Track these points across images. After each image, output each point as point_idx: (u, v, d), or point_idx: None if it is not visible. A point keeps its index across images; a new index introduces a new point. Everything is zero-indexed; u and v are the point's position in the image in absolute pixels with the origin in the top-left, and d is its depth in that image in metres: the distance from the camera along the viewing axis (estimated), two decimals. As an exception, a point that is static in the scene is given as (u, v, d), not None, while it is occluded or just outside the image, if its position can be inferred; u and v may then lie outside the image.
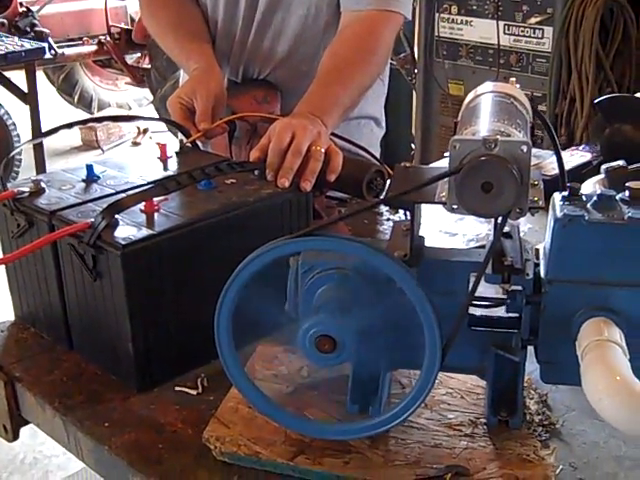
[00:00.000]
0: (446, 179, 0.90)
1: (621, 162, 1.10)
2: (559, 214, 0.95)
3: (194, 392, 1.17)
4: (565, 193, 0.99)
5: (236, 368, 1.01)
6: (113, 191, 1.27)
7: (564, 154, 1.93)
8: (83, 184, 1.30)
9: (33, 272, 1.28)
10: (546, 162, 1.85)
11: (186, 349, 1.19)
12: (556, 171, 1.73)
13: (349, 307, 0.99)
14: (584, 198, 0.98)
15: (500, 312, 1.06)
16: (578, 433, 1.07)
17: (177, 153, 1.43)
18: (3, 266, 1.31)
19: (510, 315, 1.04)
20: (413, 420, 1.07)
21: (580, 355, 0.92)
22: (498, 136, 0.88)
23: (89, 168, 1.32)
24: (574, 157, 1.88)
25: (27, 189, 1.26)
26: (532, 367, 1.06)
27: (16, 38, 4.62)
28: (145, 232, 1.13)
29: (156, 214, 1.18)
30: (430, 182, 0.91)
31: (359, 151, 1.59)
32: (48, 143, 5.51)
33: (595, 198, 0.97)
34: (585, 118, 2.96)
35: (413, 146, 3.84)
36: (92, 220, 1.13)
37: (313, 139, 1.33)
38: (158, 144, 1.42)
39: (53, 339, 1.30)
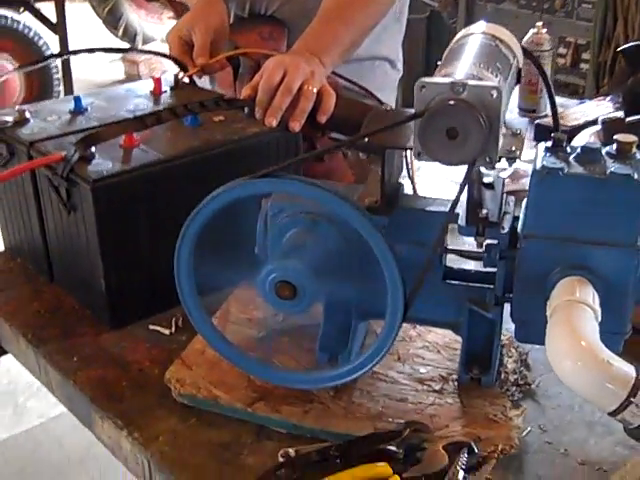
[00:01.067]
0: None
1: (619, 113, 1.03)
2: (538, 166, 0.90)
3: (167, 331, 1.15)
4: (549, 144, 0.93)
5: (196, 309, 0.98)
6: (97, 124, 1.24)
7: (591, 104, 1.85)
8: (69, 115, 1.27)
9: (17, 204, 1.26)
10: (569, 112, 1.78)
11: (162, 288, 1.16)
12: (577, 121, 1.67)
13: (315, 253, 0.95)
14: (568, 150, 0.93)
15: (477, 266, 1.02)
16: (554, 395, 1.03)
17: (172, 88, 1.39)
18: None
19: (487, 270, 1.00)
20: (383, 372, 1.04)
21: (549, 314, 0.87)
22: (468, 80, 0.83)
23: (77, 99, 1.29)
24: (599, 108, 1.80)
25: (11, 118, 1.24)
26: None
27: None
28: (119, 167, 1.10)
29: (135, 149, 1.15)
30: (391, 126, 0.86)
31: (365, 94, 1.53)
32: (92, 77, 5.53)
33: (579, 150, 0.91)
34: (628, 68, 2.83)
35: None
36: (66, 152, 1.11)
37: (305, 78, 1.27)
38: (153, 77, 1.38)
39: (36, 270, 1.29)
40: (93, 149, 1.12)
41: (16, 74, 4.60)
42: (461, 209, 0.96)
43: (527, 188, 0.93)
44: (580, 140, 1.03)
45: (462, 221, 0.95)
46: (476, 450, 0.91)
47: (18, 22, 4.51)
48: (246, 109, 1.27)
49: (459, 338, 1.09)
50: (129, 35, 6.17)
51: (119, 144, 1.15)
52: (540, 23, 1.87)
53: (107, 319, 1.15)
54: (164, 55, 1.49)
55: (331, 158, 1.53)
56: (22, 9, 4.57)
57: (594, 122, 1.64)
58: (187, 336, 1.13)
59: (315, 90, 1.28)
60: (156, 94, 1.36)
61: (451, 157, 0.83)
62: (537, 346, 1.08)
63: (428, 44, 4.11)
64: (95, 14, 6.18)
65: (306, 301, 0.93)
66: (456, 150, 0.82)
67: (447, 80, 0.83)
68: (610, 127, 1.02)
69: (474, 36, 0.99)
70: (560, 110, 1.75)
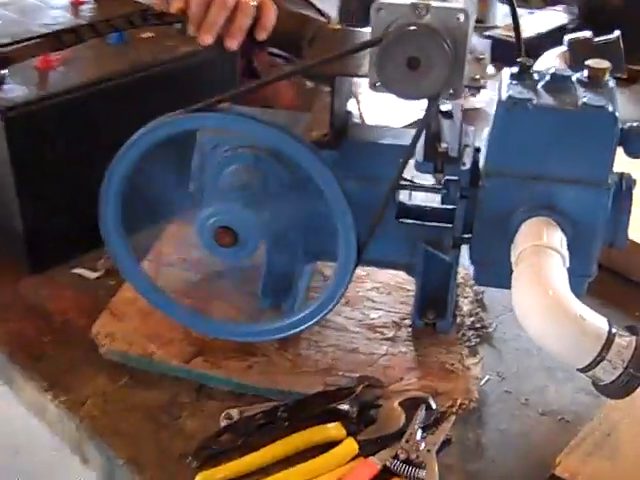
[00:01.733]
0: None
1: (587, 33, 0.94)
2: (504, 96, 0.81)
3: (93, 275, 1.05)
4: (514, 70, 0.84)
5: (123, 253, 0.88)
6: (8, 41, 1.09)
7: (542, 14, 1.75)
8: (-27, 31, 1.12)
9: None
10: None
11: (87, 226, 1.05)
12: (529, 34, 1.57)
13: (258, 193, 0.86)
14: (536, 77, 0.84)
15: (433, 203, 0.94)
16: (512, 338, 0.97)
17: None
18: None
19: (443, 207, 0.92)
20: (331, 319, 0.96)
21: (514, 261, 0.80)
22: (430, 1, 0.72)
23: (-18, 12, 1.14)
24: (550, 18, 1.71)
25: None
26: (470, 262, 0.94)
27: None
28: (35, 93, 0.98)
29: (52, 72, 1.02)
30: (345, 54, 0.76)
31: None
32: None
33: (548, 78, 0.83)
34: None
35: None
36: (-28, 77, 0.98)
37: None
38: (71, -14, 1.24)
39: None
40: (4, 72, 0.98)
41: None
42: (418, 144, 0.87)
43: (476, 107, 0.85)
44: (544, 63, 0.95)
45: (419, 156, 0.86)
46: (434, 406, 0.84)
47: None
48: (178, 25, 1.14)
49: (412, 278, 1.02)
50: None
51: (34, 66, 1.02)
52: None
53: (25, 262, 1.04)
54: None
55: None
56: None
57: (549, 35, 1.55)
58: (116, 280, 1.03)
59: (254, 3, 1.15)
60: (76, 5, 1.22)
61: (412, 90, 0.73)
62: (493, 284, 1.02)
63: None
64: None
65: (249, 248, 0.84)
66: (418, 82, 0.73)
67: (407, 1, 0.72)
68: (577, 48, 0.93)
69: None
70: (508, 22, 1.65)
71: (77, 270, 1.05)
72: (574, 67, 0.93)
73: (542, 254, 0.78)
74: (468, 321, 0.98)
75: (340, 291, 0.85)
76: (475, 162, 0.86)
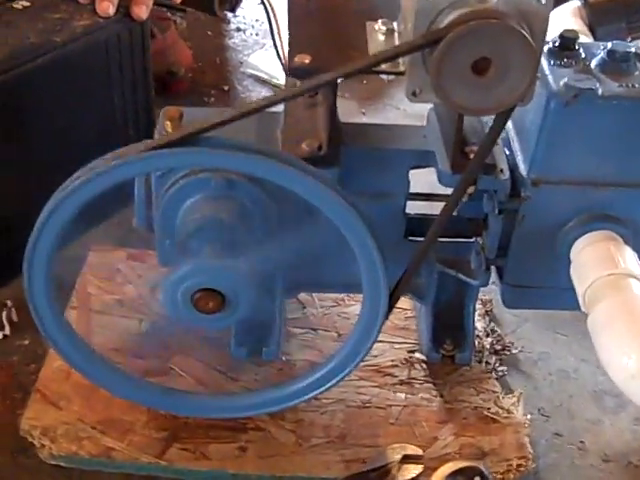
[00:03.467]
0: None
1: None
2: (556, 84, 0.62)
3: (-1, 335, 0.80)
4: (552, 45, 0.66)
5: (56, 325, 0.65)
6: None
7: None
8: None
9: None
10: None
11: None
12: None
13: (239, 236, 0.64)
14: (583, 53, 0.65)
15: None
16: (540, 358, 0.82)
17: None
18: None
19: (463, 219, 0.73)
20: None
21: (583, 295, 0.63)
22: (498, -23, 0.52)
23: None
24: None
25: None
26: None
27: None
28: None
29: None
30: (383, 60, 0.53)
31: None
32: None
33: (603, 55, 0.64)
34: None
35: None
36: None
37: None
38: None
39: None
40: None
41: None
42: (435, 142, 0.68)
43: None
44: (559, 24, 0.76)
45: (443, 164, 0.66)
46: (489, 478, 0.67)
47: None
48: (61, -12, 0.87)
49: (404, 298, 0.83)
50: None
51: None
52: None
53: None
54: None
55: (165, 31, 1.16)
56: None
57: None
58: (30, 338, 0.79)
59: None
60: None
61: (479, 102, 0.53)
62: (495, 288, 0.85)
63: None
64: None
65: (240, 311, 0.63)
66: (487, 90, 0.52)
67: (466, -21, 0.51)
68: (597, 3, 0.75)
69: None
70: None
71: (-25, 329, 0.80)
72: (601, 30, 0.75)
73: (625, 287, 0.62)
74: (486, 342, 0.81)
75: (367, 346, 0.66)
76: (514, 169, 0.67)
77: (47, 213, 0.58)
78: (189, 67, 1.20)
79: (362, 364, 0.76)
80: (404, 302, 0.83)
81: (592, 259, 0.65)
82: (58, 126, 0.81)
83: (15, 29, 0.81)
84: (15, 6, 0.85)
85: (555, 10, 0.80)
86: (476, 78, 0.52)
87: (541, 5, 0.52)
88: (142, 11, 0.87)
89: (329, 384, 0.67)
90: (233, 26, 1.31)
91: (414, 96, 0.55)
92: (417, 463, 0.68)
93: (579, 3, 0.78)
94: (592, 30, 0.77)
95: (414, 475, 0.68)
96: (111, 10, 0.85)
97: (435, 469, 0.67)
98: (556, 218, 0.67)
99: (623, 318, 0.60)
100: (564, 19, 0.78)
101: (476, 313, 0.83)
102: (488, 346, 0.81)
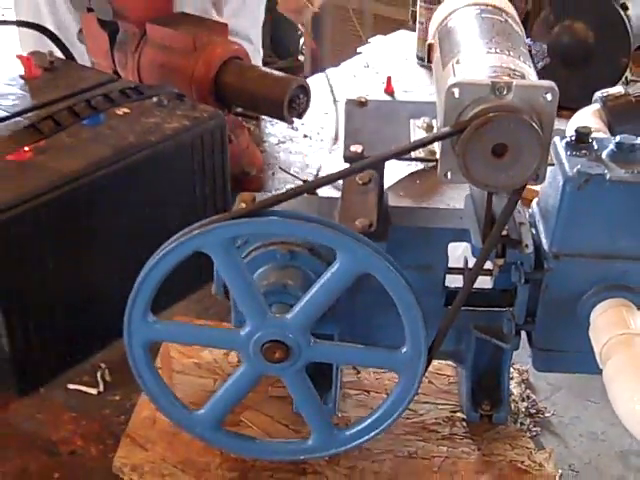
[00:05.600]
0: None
1: (621, 88, 0.89)
2: (570, 171, 0.74)
3: (94, 391, 0.92)
4: (570, 138, 0.77)
5: (157, 385, 0.76)
6: (-33, 129, 0.96)
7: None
8: None
9: None
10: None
11: (78, 332, 0.94)
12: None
13: (302, 294, 0.75)
14: (595, 146, 0.77)
15: (484, 286, 0.85)
16: (571, 422, 0.90)
17: (46, 69, 1.11)
18: None
19: (497, 290, 0.84)
20: (376, 420, 0.86)
21: (600, 354, 0.72)
22: (512, 79, 0.64)
23: None
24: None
25: None
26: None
27: None
28: (12, 195, 0.84)
29: (27, 165, 0.89)
30: (419, 146, 0.66)
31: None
32: None
33: (612, 147, 0.76)
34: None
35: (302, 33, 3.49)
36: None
37: None
38: (21, 58, 1.10)
39: None
40: (-25, 172, 0.85)
41: None
42: (470, 222, 0.79)
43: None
44: (579, 122, 0.88)
45: (476, 240, 0.77)
46: (520, 518, 0.76)
47: None
48: (155, 98, 1.02)
49: (447, 362, 0.93)
50: None
51: (7, 159, 0.89)
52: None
53: (14, 384, 0.90)
54: (39, 28, 1.20)
55: (239, 137, 1.32)
56: None
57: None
58: (121, 394, 0.91)
59: None
60: (29, 78, 1.09)
61: (497, 179, 0.65)
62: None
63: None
64: None
65: (300, 362, 0.74)
66: (504, 171, 0.64)
67: (486, 80, 0.64)
68: (615, 106, 0.87)
69: (467, 9, 0.80)
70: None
71: (73, 386, 0.92)
72: (618, 129, 0.87)
73: (634, 344, 0.71)
74: (522, 407, 0.90)
75: (409, 397, 0.75)
76: (538, 244, 0.78)
77: (145, 271, 0.71)
78: (260, 168, 1.35)
79: (409, 421, 0.87)
80: (447, 369, 0.93)
81: (607, 322, 0.74)
82: (148, 211, 0.95)
83: (117, 131, 0.97)
84: (117, 112, 1.00)
85: (579, 112, 0.92)
86: (495, 160, 0.64)
87: (548, 102, 0.64)
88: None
89: (375, 432, 0.77)
90: (300, 132, 1.46)
91: (446, 177, 0.68)
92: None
93: (599, 106, 0.90)
94: (610, 129, 0.88)
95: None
96: None
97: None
98: (576, 287, 0.77)
99: (632, 370, 0.69)
100: (586, 119, 0.89)
101: (513, 380, 0.93)
102: (523, 409, 0.90)
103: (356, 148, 0.74)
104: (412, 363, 0.73)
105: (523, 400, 0.91)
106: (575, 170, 0.73)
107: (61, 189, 0.87)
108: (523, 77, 0.66)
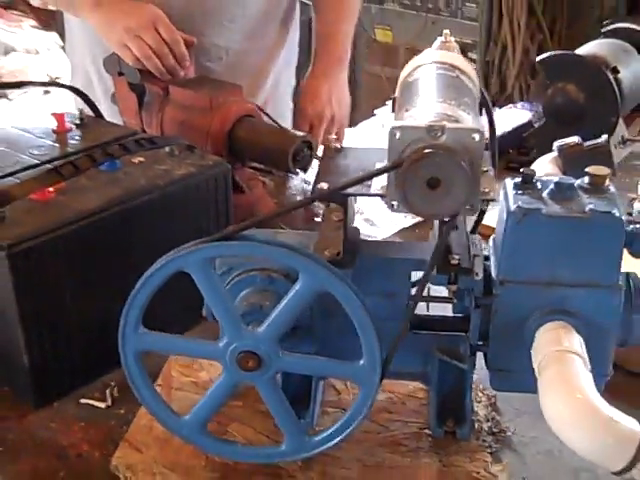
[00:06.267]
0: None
1: (576, 138, 0.98)
2: (512, 206, 0.84)
3: (102, 405, 1.03)
4: (518, 180, 0.87)
5: (146, 389, 0.87)
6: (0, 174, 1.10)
7: (502, 112, 1.81)
8: (-36, 166, 1.12)
9: None
10: (483, 121, 1.73)
11: (91, 354, 1.05)
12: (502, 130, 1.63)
13: (276, 315, 0.86)
14: (539, 186, 0.87)
15: (444, 311, 0.95)
16: (531, 441, 0.98)
17: (77, 125, 1.26)
18: None
19: (456, 316, 0.93)
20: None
21: (537, 368, 0.81)
22: (445, 122, 0.75)
23: (-29, 146, 1.14)
24: (513, 116, 1.77)
25: None
26: (479, 366, 0.95)
27: None
28: (35, 227, 0.97)
29: (49, 204, 1.03)
30: (365, 178, 0.78)
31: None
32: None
33: (552, 187, 0.86)
34: (517, 66, 2.85)
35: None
36: (-27, 214, 0.97)
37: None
38: (54, 115, 1.25)
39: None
40: (3, 209, 0.98)
41: None
42: (429, 253, 0.89)
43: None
44: (538, 169, 0.98)
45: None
46: (468, 518, 0.84)
47: None
48: (168, 148, 1.16)
49: (422, 386, 1.02)
50: (-13, 46, 5.81)
51: (32, 199, 1.02)
52: (447, 31, 1.82)
53: (31, 398, 1.02)
54: (71, 88, 1.35)
55: (253, 189, 1.44)
56: None
57: (516, 132, 1.61)
58: (126, 408, 1.02)
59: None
60: (60, 133, 1.23)
61: (433, 209, 0.76)
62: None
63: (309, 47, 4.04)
64: (-50, 25, 5.79)
65: (271, 371, 0.84)
66: (438, 201, 0.75)
67: (422, 123, 0.75)
68: (569, 153, 0.97)
69: (426, 67, 0.92)
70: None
71: (85, 400, 1.03)
72: (568, 172, 0.96)
73: (565, 359, 0.80)
74: (486, 426, 0.98)
75: (364, 410, 0.85)
76: (486, 271, 0.88)
77: (137, 288, 0.82)
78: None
79: (380, 435, 0.96)
80: (420, 392, 1.02)
81: (545, 341, 0.83)
82: (156, 246, 1.07)
83: (131, 176, 1.10)
84: (133, 160, 1.14)
85: (539, 159, 1.03)
86: (430, 192, 0.75)
87: (476, 142, 0.75)
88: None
89: (340, 437, 0.86)
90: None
91: (392, 207, 0.78)
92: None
93: (556, 153, 1.00)
94: (564, 174, 0.98)
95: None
96: None
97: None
98: (521, 312, 0.86)
99: (559, 381, 0.78)
100: (544, 165, 1.00)
101: (480, 403, 1.02)
102: (487, 428, 0.98)
103: (322, 185, 0.85)
104: (369, 374, 0.83)
105: (488, 420, 0.99)
106: (516, 206, 0.84)
107: (77, 224, 1.00)
108: (457, 122, 0.77)
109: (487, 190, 0.83)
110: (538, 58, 1.53)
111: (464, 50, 3.18)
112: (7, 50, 5.88)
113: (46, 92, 5.47)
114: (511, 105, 1.83)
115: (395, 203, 0.78)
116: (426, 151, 0.73)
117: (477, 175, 0.76)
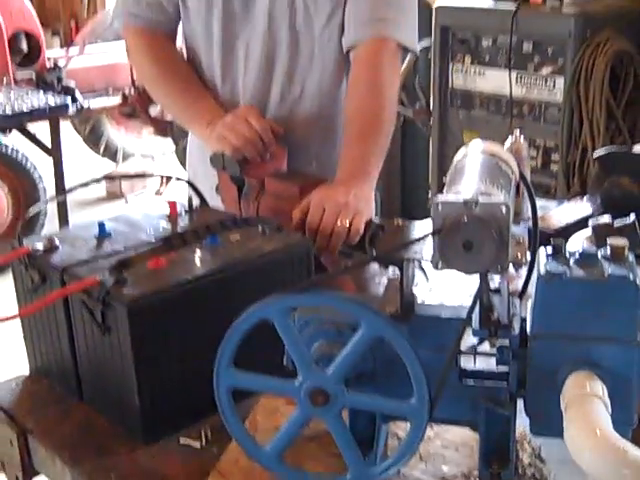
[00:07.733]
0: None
1: (607, 218, 1.13)
2: (542, 271, 0.99)
3: (197, 444, 1.21)
4: (550, 250, 1.03)
5: (234, 420, 1.04)
6: (122, 248, 1.32)
7: (569, 205, 1.96)
8: (95, 241, 1.35)
9: (46, 326, 1.33)
10: (550, 213, 1.88)
11: (191, 401, 1.24)
12: (560, 224, 1.78)
13: (343, 361, 1.03)
14: (568, 255, 1.02)
15: (490, 366, 1.10)
16: (570, 486, 1.10)
17: (186, 211, 1.48)
18: (19, 320, 1.37)
19: (499, 369, 1.08)
20: (408, 473, 1.10)
21: (563, 408, 0.95)
22: (479, 197, 0.93)
23: (101, 226, 1.37)
24: (578, 209, 1.91)
25: (41, 246, 1.32)
26: (527, 420, 1.09)
27: (41, 93, 4.73)
28: (151, 289, 1.18)
29: (161, 271, 1.23)
30: (412, 242, 0.95)
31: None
32: (73, 195, 5.63)
33: (577, 255, 1.01)
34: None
35: (430, 195, 3.89)
36: (101, 277, 1.19)
37: (338, 214, 1.47)
38: (168, 202, 1.48)
39: (64, 391, 1.35)
40: (125, 274, 1.19)
41: (2, 192, 4.69)
42: (474, 314, 1.05)
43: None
44: (574, 244, 1.13)
45: (476, 325, 1.03)
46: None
47: (6, 146, 4.63)
48: (260, 227, 1.36)
49: (475, 436, 1.16)
50: (110, 152, 6.31)
51: (147, 267, 1.23)
52: (517, 130, 2.00)
53: (141, 435, 1.21)
54: (186, 181, 1.59)
55: (334, 267, 1.63)
56: (9, 132, 4.71)
57: (577, 224, 1.76)
58: (217, 448, 1.19)
59: (347, 223, 1.43)
60: (172, 217, 1.45)
61: (467, 267, 0.92)
62: (549, 441, 1.15)
63: (403, 151, 4.28)
64: (76, 132, 6.33)
65: (337, 406, 1.00)
66: (472, 261, 0.92)
67: (460, 198, 0.93)
68: (600, 231, 1.12)
69: (474, 155, 1.10)
70: (541, 212, 1.86)
71: (184, 440, 1.21)
72: (599, 246, 1.11)
73: (587, 401, 0.94)
74: (529, 472, 1.11)
75: (414, 445, 0.99)
76: (523, 328, 1.03)
77: (229, 334, 1.01)
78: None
79: (433, 475, 1.10)
80: (473, 439, 1.16)
81: (571, 387, 0.97)
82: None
83: (228, 250, 1.30)
84: (231, 238, 1.35)
85: (574, 235, 1.18)
86: (465, 253, 0.91)
87: (503, 214, 0.92)
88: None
89: (393, 468, 1.01)
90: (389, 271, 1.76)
91: (436, 267, 0.95)
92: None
93: (590, 231, 1.15)
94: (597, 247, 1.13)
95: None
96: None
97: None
98: (552, 362, 1.00)
99: (580, 419, 0.91)
100: (580, 239, 1.15)
101: (526, 452, 1.15)
102: (530, 474, 1.11)
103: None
104: (418, 412, 0.98)
105: (531, 467, 1.12)
106: (545, 270, 0.99)
107: (184, 288, 1.20)
108: (489, 197, 0.94)
109: (519, 256, 0.99)
110: (595, 154, 1.68)
111: (547, 152, 3.36)
112: (126, 156, 6.38)
113: (157, 193, 5.90)
114: (579, 199, 1.97)
115: (439, 263, 0.95)
116: (461, 220, 0.91)
117: (505, 240, 0.92)
